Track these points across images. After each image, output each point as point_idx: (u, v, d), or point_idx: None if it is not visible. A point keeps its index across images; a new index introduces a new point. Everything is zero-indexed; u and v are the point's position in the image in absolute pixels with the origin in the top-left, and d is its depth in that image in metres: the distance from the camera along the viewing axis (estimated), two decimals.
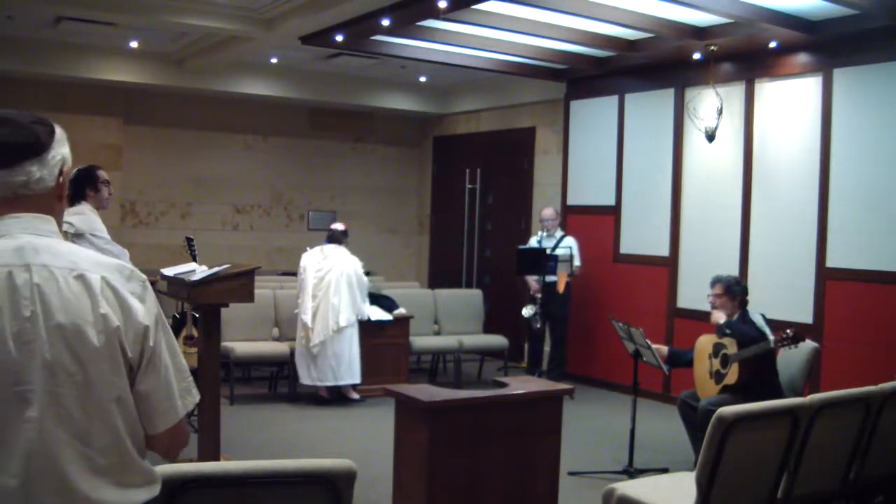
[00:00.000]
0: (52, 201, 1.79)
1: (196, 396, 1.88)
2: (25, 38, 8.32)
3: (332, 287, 7.10)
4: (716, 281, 5.43)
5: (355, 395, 7.27)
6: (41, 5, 7.11)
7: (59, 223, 1.81)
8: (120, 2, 6.88)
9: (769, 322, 5.24)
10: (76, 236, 4.58)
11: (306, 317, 7.10)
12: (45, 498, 1.64)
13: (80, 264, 1.72)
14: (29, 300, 1.66)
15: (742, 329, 5.17)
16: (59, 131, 1.80)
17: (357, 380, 7.20)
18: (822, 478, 3.79)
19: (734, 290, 5.33)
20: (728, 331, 5.21)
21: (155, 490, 1.81)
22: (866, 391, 3.84)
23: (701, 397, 5.27)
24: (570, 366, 8.38)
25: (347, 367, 7.12)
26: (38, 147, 1.74)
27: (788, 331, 4.85)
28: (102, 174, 4.88)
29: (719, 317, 5.35)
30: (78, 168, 4.83)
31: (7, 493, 1.62)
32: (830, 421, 3.62)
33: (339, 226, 7.52)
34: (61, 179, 1.80)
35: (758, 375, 5.04)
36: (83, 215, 4.68)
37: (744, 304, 5.37)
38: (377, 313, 7.50)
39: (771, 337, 4.91)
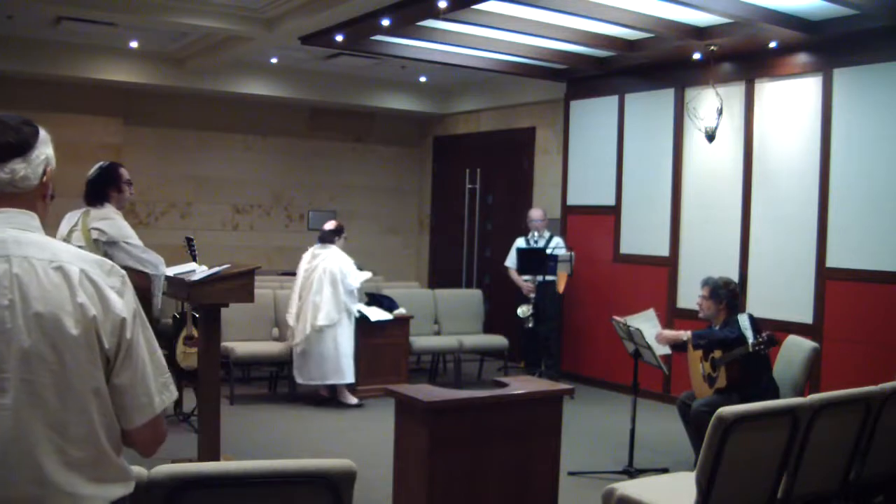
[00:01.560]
0: (35, 200, 1.84)
1: (174, 393, 1.89)
2: (25, 38, 8.32)
3: (315, 286, 7.10)
4: (704, 283, 5.47)
5: (353, 400, 7.18)
6: (41, 5, 7.11)
7: (43, 221, 1.85)
8: (120, 2, 6.88)
9: (766, 322, 5.24)
10: (108, 244, 4.37)
11: (290, 317, 7.18)
12: (21, 487, 1.65)
13: (61, 256, 1.76)
14: (7, 289, 1.69)
15: (715, 335, 5.20)
16: (43, 133, 1.86)
17: (346, 379, 7.10)
18: (822, 478, 3.79)
19: (720, 294, 5.35)
20: (702, 342, 5.24)
21: (130, 487, 1.82)
22: (866, 391, 3.84)
23: (697, 398, 5.29)
24: (571, 366, 8.39)
25: (334, 367, 7.04)
26: (24, 146, 1.80)
27: (763, 335, 4.87)
28: (125, 173, 4.70)
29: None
30: (100, 165, 4.69)
31: None
32: (830, 421, 3.62)
33: (329, 225, 7.47)
34: (45, 179, 1.85)
35: (748, 377, 5.05)
36: (111, 220, 4.47)
37: (732, 306, 5.38)
38: (377, 313, 7.50)
39: (750, 340, 4.92)
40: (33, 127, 1.84)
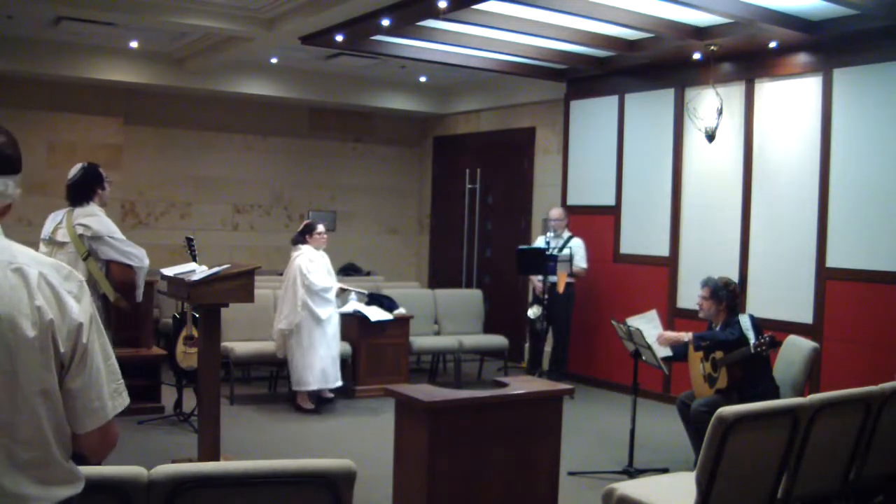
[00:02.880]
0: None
1: (126, 400, 1.88)
2: (25, 38, 8.32)
3: (282, 291, 7.08)
4: (704, 283, 5.47)
5: (307, 405, 6.99)
6: (41, 5, 7.10)
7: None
8: (120, 2, 6.88)
9: (765, 322, 5.25)
10: (94, 239, 4.49)
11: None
12: None
13: (19, 258, 1.76)
14: None
15: (717, 337, 5.21)
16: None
17: (308, 386, 6.89)
18: (822, 478, 3.79)
19: (720, 294, 5.35)
20: (704, 343, 5.24)
21: (78, 487, 1.81)
22: (866, 391, 3.84)
23: (697, 398, 5.30)
24: (571, 366, 8.38)
25: (301, 374, 6.89)
26: (18, 166, 1.85)
27: (765, 337, 4.88)
28: (104, 172, 4.83)
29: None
30: (82, 166, 4.77)
31: None
32: (830, 421, 3.62)
33: (301, 226, 7.37)
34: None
35: (748, 377, 5.06)
36: (96, 217, 4.59)
37: (732, 306, 5.38)
38: (377, 313, 7.49)
39: (752, 342, 4.92)
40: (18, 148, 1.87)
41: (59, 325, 1.74)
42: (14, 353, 1.68)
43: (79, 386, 1.78)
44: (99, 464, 1.95)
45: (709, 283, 5.43)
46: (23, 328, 1.69)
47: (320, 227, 7.22)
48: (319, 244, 7.14)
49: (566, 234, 8.17)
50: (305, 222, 7.37)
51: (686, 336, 5.43)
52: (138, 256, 4.61)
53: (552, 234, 8.11)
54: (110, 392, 1.83)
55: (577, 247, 7.97)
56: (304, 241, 7.12)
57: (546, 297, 7.83)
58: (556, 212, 8.25)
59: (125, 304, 4.58)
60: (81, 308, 1.79)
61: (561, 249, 7.89)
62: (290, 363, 7.00)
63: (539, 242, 8.29)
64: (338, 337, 7.09)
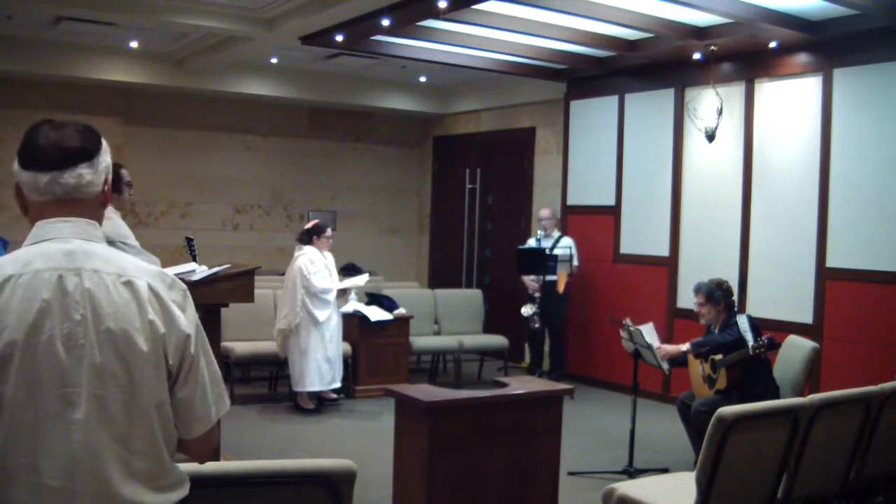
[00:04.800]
0: (97, 207, 1.86)
1: (227, 404, 1.91)
2: (25, 38, 8.31)
3: (283, 291, 7.09)
4: (697, 289, 5.47)
5: (308, 405, 7.02)
6: (41, 5, 7.10)
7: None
8: (120, 2, 6.88)
9: (765, 322, 5.25)
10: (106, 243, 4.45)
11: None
12: (87, 499, 1.66)
13: (129, 270, 1.76)
14: (80, 304, 1.68)
15: (714, 341, 5.21)
16: (104, 141, 1.88)
17: (305, 388, 6.91)
18: (822, 478, 3.79)
19: (715, 296, 5.35)
20: (703, 349, 5.24)
21: (185, 490, 1.84)
22: (866, 391, 3.84)
23: (697, 399, 5.30)
24: (570, 366, 8.39)
25: (298, 375, 6.90)
26: (90, 152, 1.81)
27: (764, 338, 4.87)
28: (126, 174, 4.71)
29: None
30: None
31: (50, 494, 1.64)
32: (830, 421, 3.62)
33: (308, 225, 7.35)
34: (106, 187, 1.87)
35: (748, 377, 5.05)
36: (110, 220, 4.40)
37: (729, 305, 5.39)
38: (377, 313, 7.49)
39: (750, 343, 4.92)
40: (96, 134, 1.85)
41: (169, 337, 1.75)
42: (130, 367, 1.69)
43: (187, 395, 1.80)
44: (201, 463, 1.99)
45: (701, 288, 5.43)
46: (138, 343, 1.70)
47: (329, 231, 7.21)
48: (325, 247, 7.14)
49: (556, 233, 8.22)
50: (314, 222, 7.30)
51: (684, 346, 5.42)
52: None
53: (543, 234, 8.16)
54: (214, 398, 1.85)
55: (570, 246, 7.99)
56: (309, 242, 7.10)
57: (538, 295, 7.87)
58: (546, 212, 8.30)
59: None
60: (188, 318, 1.80)
61: (552, 248, 7.92)
62: (289, 364, 7.00)
63: (530, 242, 8.31)
64: (337, 339, 7.06)
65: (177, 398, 1.79)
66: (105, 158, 1.85)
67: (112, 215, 4.57)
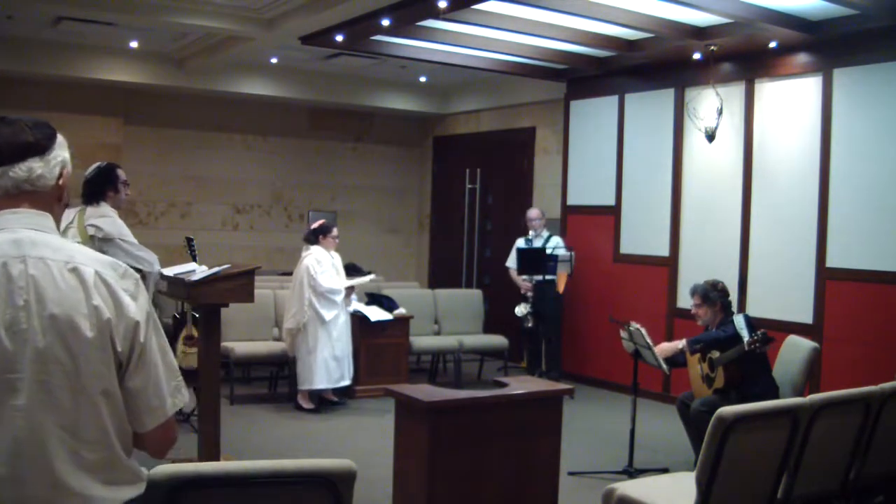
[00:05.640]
0: (51, 201, 1.86)
1: (186, 396, 1.90)
2: (25, 38, 8.32)
3: (290, 290, 7.14)
4: (693, 291, 5.48)
5: (308, 405, 7.04)
6: (41, 5, 7.11)
7: (58, 222, 1.87)
8: (120, 2, 6.88)
9: (765, 322, 5.25)
10: (104, 241, 4.47)
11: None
12: (34, 489, 1.66)
13: (77, 258, 1.77)
14: (24, 290, 1.70)
15: (709, 336, 5.21)
16: (60, 137, 1.89)
17: (312, 385, 6.95)
18: (822, 478, 3.79)
19: (711, 297, 5.36)
20: (698, 346, 5.25)
21: (140, 488, 1.82)
22: (866, 391, 3.84)
23: (696, 399, 5.30)
24: (570, 366, 8.39)
25: (306, 373, 6.95)
26: (41, 146, 1.82)
27: (758, 333, 4.87)
28: (122, 174, 4.78)
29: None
30: (98, 165, 4.77)
31: None
32: (830, 421, 3.62)
33: (314, 225, 7.37)
34: (61, 181, 1.87)
35: (746, 376, 5.05)
36: (109, 218, 4.57)
37: (726, 306, 5.39)
38: (377, 313, 7.49)
39: (745, 339, 4.92)
40: (51, 129, 1.87)
41: (116, 324, 1.75)
42: (75, 353, 1.70)
43: (138, 385, 1.79)
44: (160, 459, 1.97)
45: (697, 289, 5.45)
46: (82, 328, 1.70)
47: (335, 231, 7.26)
48: (331, 247, 7.19)
49: (545, 233, 8.23)
50: (321, 222, 7.33)
51: (680, 343, 5.43)
52: (149, 261, 4.60)
53: (533, 234, 8.18)
54: (170, 390, 1.85)
55: (559, 246, 8.00)
56: (316, 242, 7.14)
57: (531, 294, 7.88)
58: (535, 212, 8.34)
59: None
60: (138, 306, 1.80)
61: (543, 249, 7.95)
62: (297, 362, 7.04)
63: (519, 243, 8.32)
64: (346, 337, 7.10)
65: (128, 388, 1.78)
66: (60, 153, 1.86)
67: (111, 214, 4.63)
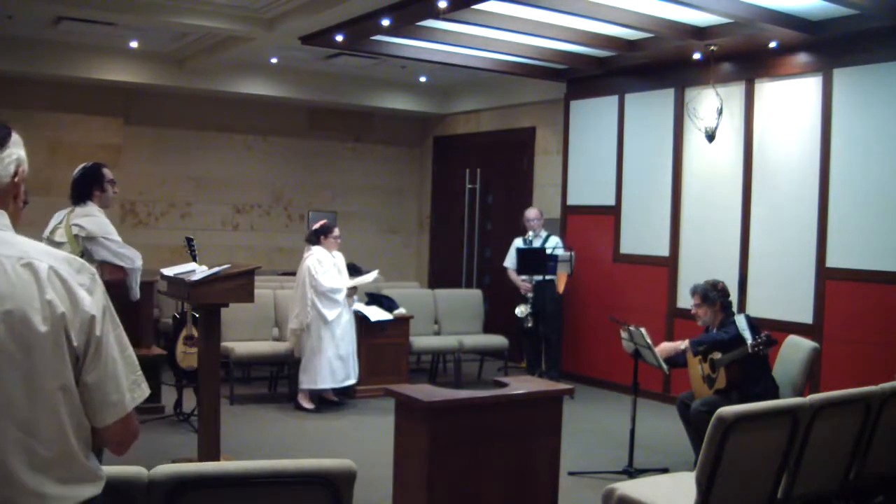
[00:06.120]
0: (6, 198, 1.84)
1: (146, 391, 1.87)
2: (25, 38, 8.31)
3: (294, 291, 7.17)
4: (693, 291, 5.48)
5: (307, 405, 7.04)
6: (41, 5, 7.11)
7: (15, 221, 1.85)
8: (120, 2, 6.88)
9: (765, 322, 5.24)
10: (88, 239, 4.54)
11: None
12: None
13: (31, 253, 1.75)
14: None
15: (712, 338, 5.21)
16: (15, 135, 1.86)
17: (316, 385, 6.97)
18: (822, 478, 3.80)
19: (711, 297, 5.36)
20: (701, 347, 5.24)
21: (99, 487, 1.80)
22: (866, 391, 3.84)
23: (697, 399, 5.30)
24: (570, 366, 8.39)
25: (310, 373, 6.96)
26: None
27: (762, 335, 4.88)
28: (108, 173, 4.82)
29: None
30: (83, 166, 4.81)
31: None
32: (830, 421, 3.62)
33: (315, 225, 7.38)
34: (17, 179, 1.85)
35: (747, 377, 5.06)
36: (93, 217, 4.63)
37: (726, 305, 5.39)
38: (377, 313, 7.49)
39: (749, 341, 4.92)
40: (6, 128, 1.85)
41: (72, 318, 1.73)
42: (28, 348, 1.68)
43: (95, 379, 1.77)
44: (121, 456, 1.95)
45: (697, 289, 5.45)
46: (34, 323, 1.68)
47: (336, 231, 7.27)
48: (333, 247, 7.21)
49: (543, 233, 8.23)
50: (322, 222, 7.34)
51: (683, 344, 5.43)
52: (130, 258, 4.65)
53: (532, 234, 8.17)
54: (129, 384, 1.82)
55: (558, 246, 8.00)
56: (317, 242, 7.16)
57: (531, 295, 7.88)
58: (533, 212, 8.33)
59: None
60: (94, 300, 1.78)
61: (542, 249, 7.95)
62: (302, 361, 7.06)
63: (517, 243, 8.32)
64: (350, 336, 7.11)
65: (85, 382, 1.76)
66: (14, 151, 1.84)
67: (96, 213, 4.69)
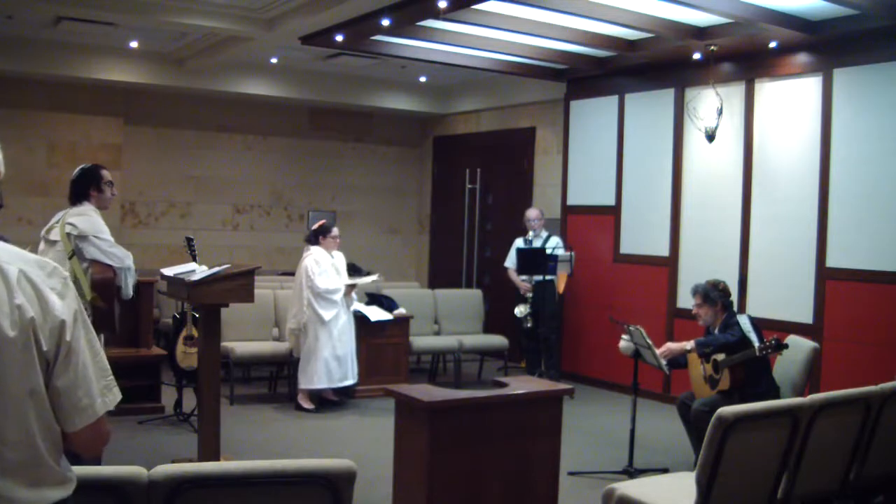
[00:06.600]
0: None
1: (117, 395, 1.85)
2: (25, 38, 8.32)
3: (292, 291, 7.18)
4: (694, 291, 5.48)
5: (308, 406, 7.04)
6: (41, 5, 7.11)
7: None
8: (120, 2, 6.88)
9: (765, 322, 5.24)
10: (79, 238, 4.55)
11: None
12: None
13: (1, 256, 1.73)
14: None
15: (719, 340, 5.20)
16: None
17: (312, 385, 6.97)
18: (822, 478, 3.80)
19: (712, 297, 5.35)
20: (708, 349, 5.23)
21: (69, 489, 1.79)
22: (866, 391, 3.84)
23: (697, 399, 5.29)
24: (570, 366, 8.39)
25: (308, 374, 6.96)
26: None
27: (772, 339, 4.87)
28: (106, 174, 4.83)
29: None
30: (82, 167, 4.83)
31: None
32: (830, 421, 3.62)
33: (314, 226, 7.38)
34: None
35: (750, 378, 5.05)
36: (86, 216, 4.64)
37: (727, 306, 5.39)
38: (377, 313, 7.49)
39: (756, 344, 4.92)
40: None
41: (41, 322, 1.71)
42: None
43: (65, 384, 1.74)
44: (97, 461, 1.93)
45: (698, 289, 5.44)
46: (3, 328, 1.66)
47: (335, 231, 7.26)
48: (331, 247, 7.20)
49: (544, 233, 8.23)
50: (321, 223, 7.34)
51: (688, 345, 5.41)
52: (119, 257, 4.65)
53: (532, 234, 8.18)
54: (100, 389, 1.80)
55: (558, 246, 8.00)
56: (316, 242, 7.16)
57: (530, 295, 7.88)
58: (534, 212, 8.34)
59: (103, 304, 4.57)
60: (65, 304, 1.75)
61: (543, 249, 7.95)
62: (300, 361, 7.06)
63: (518, 243, 8.32)
64: (348, 336, 7.10)
65: (56, 386, 1.74)
66: None
67: (90, 213, 4.70)
